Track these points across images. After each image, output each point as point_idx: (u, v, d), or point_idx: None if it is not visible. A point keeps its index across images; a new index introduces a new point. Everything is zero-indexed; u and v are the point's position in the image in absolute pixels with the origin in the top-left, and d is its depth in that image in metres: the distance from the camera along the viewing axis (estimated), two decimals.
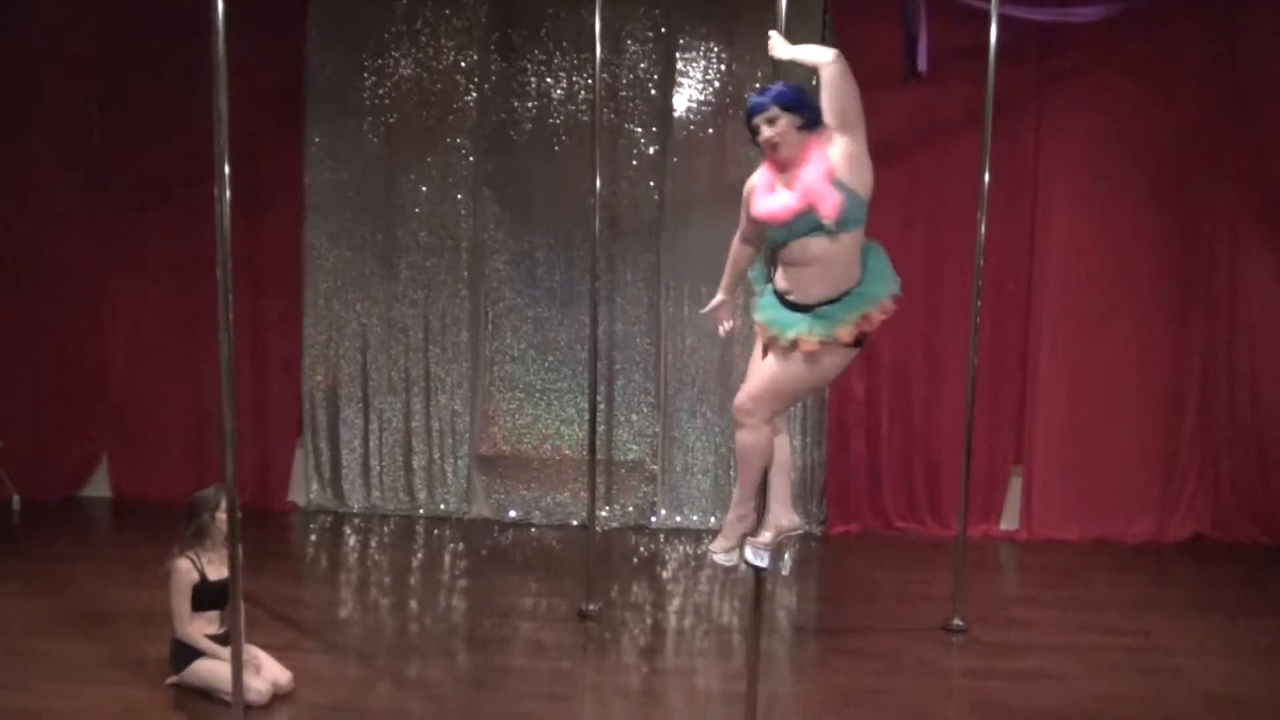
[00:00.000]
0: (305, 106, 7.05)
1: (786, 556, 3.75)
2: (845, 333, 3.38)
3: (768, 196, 3.39)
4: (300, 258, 7.16)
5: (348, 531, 6.93)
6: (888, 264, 3.44)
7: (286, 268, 7.15)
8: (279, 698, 4.21)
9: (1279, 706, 4.33)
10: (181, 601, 4.21)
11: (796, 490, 6.95)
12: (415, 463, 7.25)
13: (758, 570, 3.62)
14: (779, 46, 3.52)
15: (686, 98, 6.84)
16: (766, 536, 3.61)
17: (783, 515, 3.65)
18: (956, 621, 5.14)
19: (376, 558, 6.44)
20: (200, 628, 4.27)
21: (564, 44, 6.89)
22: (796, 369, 3.43)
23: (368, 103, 7.03)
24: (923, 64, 5.49)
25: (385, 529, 6.98)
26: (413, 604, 5.60)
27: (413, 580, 6.00)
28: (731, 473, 6.98)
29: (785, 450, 3.70)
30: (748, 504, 3.65)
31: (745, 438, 3.56)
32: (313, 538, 6.84)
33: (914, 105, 6.47)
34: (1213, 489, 6.79)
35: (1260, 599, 5.71)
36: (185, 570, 4.21)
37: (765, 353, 3.51)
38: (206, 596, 4.24)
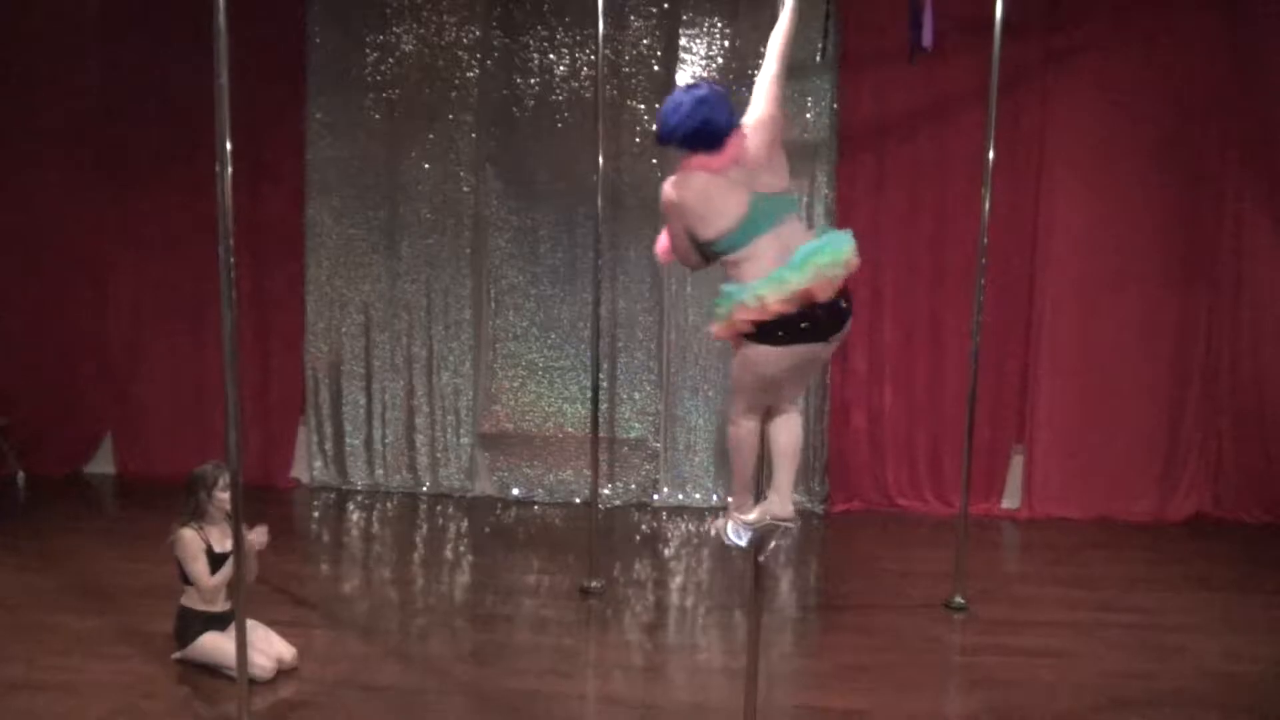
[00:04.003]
0: (307, 82, 7.03)
1: (773, 545, 3.71)
2: (716, 327, 3.36)
3: None
4: (302, 235, 7.16)
5: (351, 508, 6.95)
6: (798, 259, 3.25)
7: (289, 245, 7.15)
8: (283, 673, 4.23)
9: None
10: (197, 563, 4.20)
11: (799, 468, 6.96)
12: (418, 440, 7.26)
13: (734, 547, 3.62)
14: None
15: (690, 74, 6.80)
16: (751, 516, 3.59)
17: (776, 502, 3.59)
18: (958, 599, 5.15)
19: (380, 535, 6.46)
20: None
21: (566, 20, 6.85)
22: (736, 362, 3.44)
23: (369, 79, 7.00)
24: (928, 40, 5.45)
25: (388, 506, 7.00)
26: (416, 581, 5.62)
27: (416, 557, 6.02)
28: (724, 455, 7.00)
29: (788, 437, 3.61)
30: (743, 494, 3.66)
31: (728, 432, 3.62)
32: (316, 515, 6.87)
33: (919, 81, 6.45)
34: (1215, 467, 6.80)
35: (1261, 576, 5.72)
36: (192, 537, 4.22)
37: None
38: (214, 569, 4.25)
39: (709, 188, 3.26)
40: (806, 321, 3.25)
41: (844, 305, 3.33)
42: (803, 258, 3.22)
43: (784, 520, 3.62)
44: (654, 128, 3.43)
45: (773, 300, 3.20)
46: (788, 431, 3.62)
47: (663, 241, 3.42)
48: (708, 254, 3.36)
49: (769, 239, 3.26)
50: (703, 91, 3.33)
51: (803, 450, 3.75)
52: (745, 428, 3.56)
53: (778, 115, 3.40)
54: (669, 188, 3.30)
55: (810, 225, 6.75)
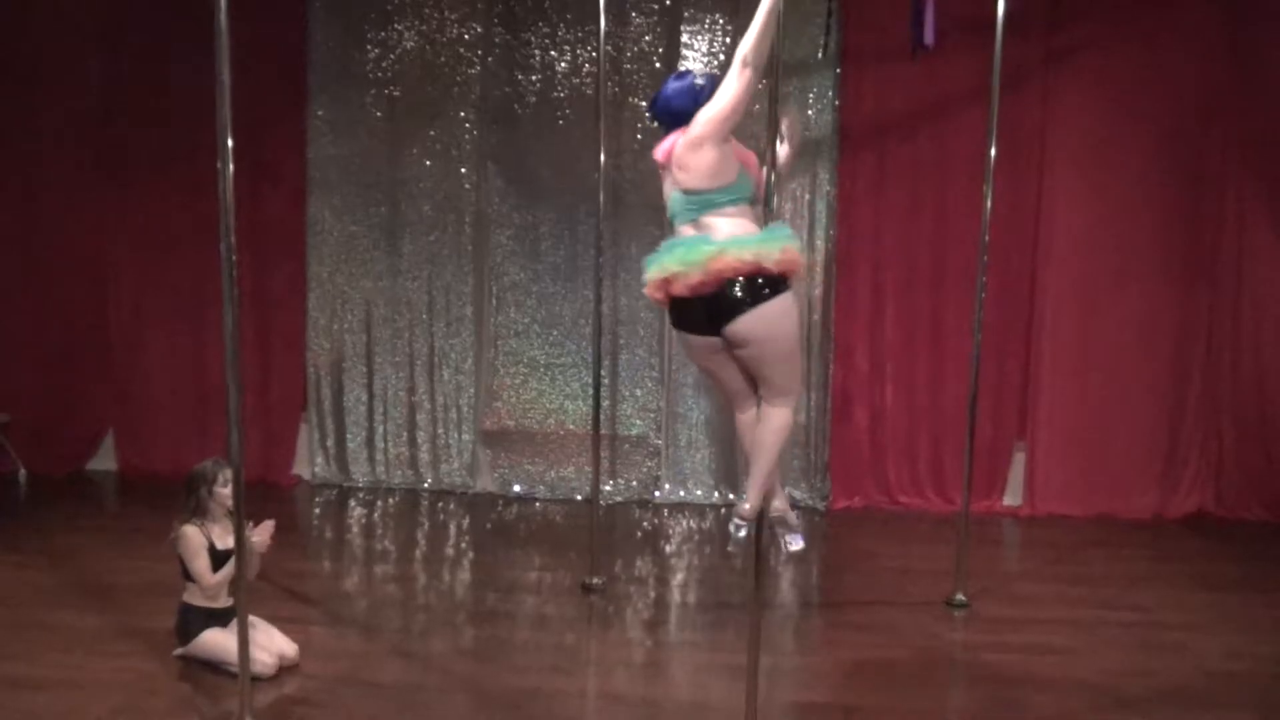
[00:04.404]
0: (308, 80, 7.02)
1: (784, 544, 3.74)
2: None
3: None
4: (304, 232, 7.16)
5: (352, 505, 6.96)
6: (661, 249, 3.57)
7: (290, 242, 7.15)
8: (285, 669, 4.23)
9: None
10: (198, 559, 4.21)
11: (800, 465, 6.98)
12: (420, 437, 7.27)
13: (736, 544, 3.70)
14: None
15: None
16: (745, 508, 3.62)
17: (746, 497, 3.66)
18: (959, 596, 5.15)
19: (381, 532, 6.46)
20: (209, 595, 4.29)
21: (568, 16, 6.85)
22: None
23: (370, 76, 7.00)
24: (929, 37, 5.44)
25: (390, 503, 7.00)
26: (417, 577, 5.63)
27: (417, 554, 6.03)
28: (735, 447, 7.00)
29: (758, 430, 3.63)
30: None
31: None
32: (317, 511, 6.87)
33: (920, 79, 6.45)
34: (1216, 465, 6.80)
35: (1263, 575, 5.72)
36: (194, 534, 4.23)
37: None
38: (217, 565, 4.26)
39: (662, 171, 3.70)
40: (679, 311, 3.57)
41: (731, 299, 3.37)
42: (665, 248, 3.53)
43: (741, 518, 3.64)
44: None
45: (649, 280, 3.56)
46: (760, 425, 3.62)
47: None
48: None
49: (687, 228, 3.56)
50: (677, 79, 3.64)
51: (780, 447, 3.60)
52: (737, 419, 3.73)
53: (716, 116, 3.45)
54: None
55: (811, 222, 6.75)
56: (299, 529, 6.52)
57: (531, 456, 7.25)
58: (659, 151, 3.66)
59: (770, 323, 3.41)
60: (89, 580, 5.27)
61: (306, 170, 7.10)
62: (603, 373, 6.11)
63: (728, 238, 3.41)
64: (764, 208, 3.51)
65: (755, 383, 3.62)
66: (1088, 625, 4.91)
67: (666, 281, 3.45)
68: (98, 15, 7.05)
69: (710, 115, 3.44)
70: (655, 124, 3.73)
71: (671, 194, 3.61)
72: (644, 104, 6.81)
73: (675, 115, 3.57)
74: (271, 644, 4.24)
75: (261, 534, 4.19)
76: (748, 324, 3.40)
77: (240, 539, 3.75)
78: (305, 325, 7.25)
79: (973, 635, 4.86)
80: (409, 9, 6.94)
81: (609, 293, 6.79)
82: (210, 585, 4.23)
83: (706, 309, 3.43)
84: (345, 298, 7.22)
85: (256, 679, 3.97)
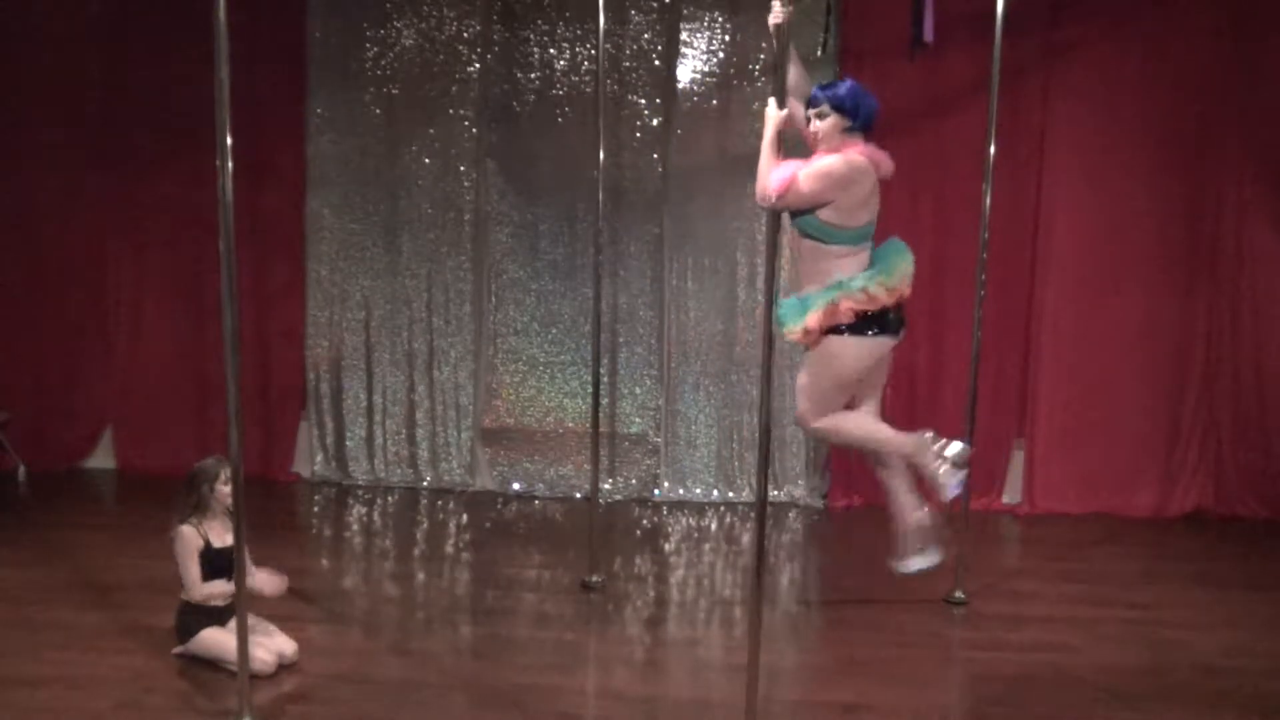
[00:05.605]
0: (307, 77, 7.02)
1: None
2: (813, 318, 3.61)
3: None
4: (303, 229, 7.16)
5: (352, 503, 6.95)
6: (888, 259, 3.70)
7: (289, 239, 7.15)
8: (284, 668, 4.23)
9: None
10: (190, 563, 4.21)
11: (800, 463, 6.98)
12: (419, 435, 7.27)
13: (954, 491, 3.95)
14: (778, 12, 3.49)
15: (690, 69, 6.80)
16: (950, 451, 3.91)
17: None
18: (958, 594, 5.15)
19: (380, 530, 6.46)
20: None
21: (567, 14, 6.84)
22: (814, 364, 3.82)
23: (370, 73, 7.00)
24: (929, 34, 5.44)
25: (389, 501, 7.00)
26: (416, 576, 5.62)
27: (417, 552, 6.02)
28: (734, 445, 7.01)
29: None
30: (907, 446, 3.92)
31: (819, 429, 3.86)
32: (317, 509, 6.87)
33: (920, 75, 6.44)
34: (1215, 462, 6.80)
35: (1262, 572, 5.72)
36: (190, 535, 4.22)
37: None
38: (213, 564, 4.26)
39: (874, 182, 3.62)
40: (896, 315, 3.67)
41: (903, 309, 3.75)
42: (891, 261, 3.65)
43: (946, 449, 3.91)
44: (849, 105, 3.65)
45: (880, 293, 3.58)
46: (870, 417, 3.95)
47: (782, 178, 3.48)
48: (811, 229, 3.62)
49: (870, 245, 3.69)
50: (861, 87, 3.74)
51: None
52: (837, 419, 3.82)
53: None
54: (853, 159, 3.55)
55: None
56: (298, 527, 6.52)
57: (531, 454, 7.25)
58: (887, 164, 3.68)
59: None
60: (88, 577, 5.26)
61: (306, 168, 7.10)
62: (602, 370, 6.11)
63: (900, 246, 3.80)
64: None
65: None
66: (1087, 622, 4.92)
67: (899, 290, 3.66)
68: (96, 12, 7.04)
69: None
70: (855, 122, 3.67)
71: (878, 209, 3.73)
72: (643, 101, 6.82)
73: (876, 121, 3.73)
74: (271, 642, 4.24)
75: (269, 585, 4.23)
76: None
77: (239, 537, 3.74)
78: (304, 323, 7.25)
79: (972, 633, 4.86)
80: (408, 6, 6.93)
81: (608, 290, 6.79)
82: (196, 595, 4.22)
83: (898, 313, 3.72)
84: (344, 295, 7.21)
85: (255, 677, 3.97)
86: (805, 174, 3.49)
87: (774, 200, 3.45)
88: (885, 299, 3.60)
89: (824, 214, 3.56)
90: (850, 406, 3.89)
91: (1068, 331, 6.72)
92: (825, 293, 3.62)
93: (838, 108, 3.61)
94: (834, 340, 3.63)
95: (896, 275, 3.64)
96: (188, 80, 6.31)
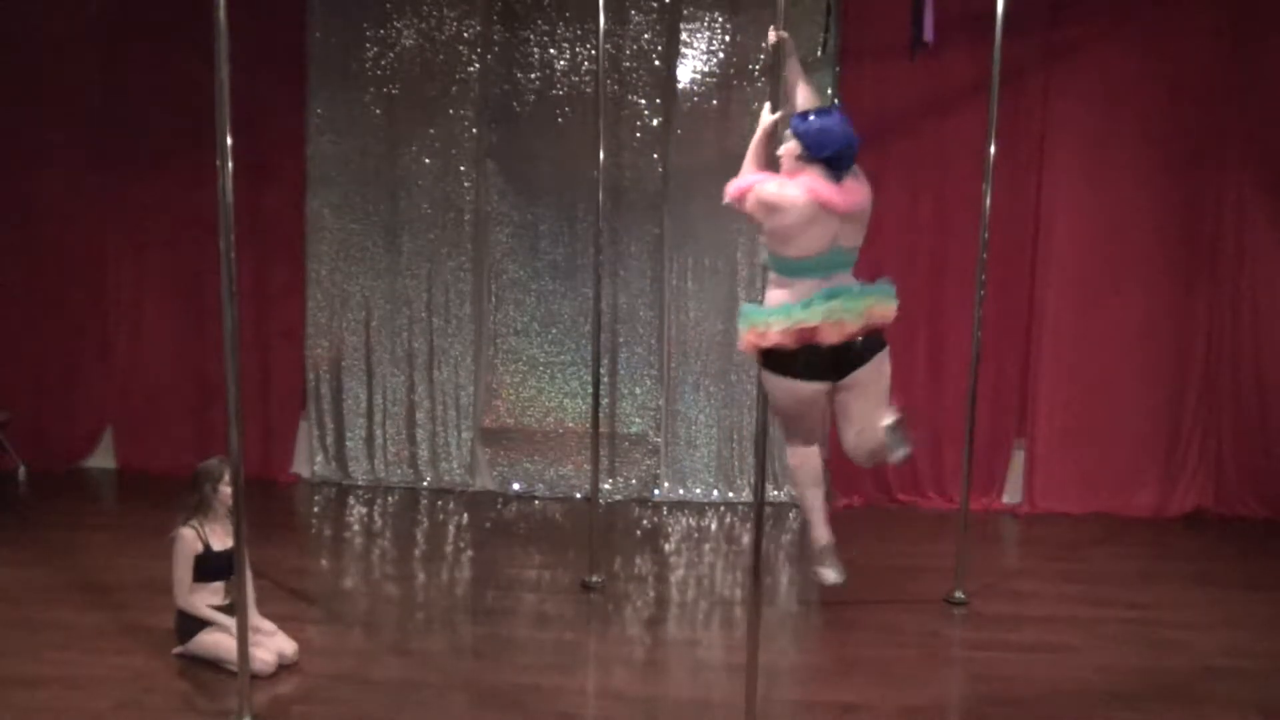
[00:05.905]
0: (307, 77, 7.02)
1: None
2: (742, 335, 3.52)
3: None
4: (303, 230, 7.16)
5: (352, 503, 6.95)
6: (843, 295, 3.40)
7: (289, 239, 7.15)
8: (284, 668, 4.23)
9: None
10: (183, 570, 4.22)
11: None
12: (419, 435, 7.26)
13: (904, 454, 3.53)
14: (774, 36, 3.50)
15: (690, 69, 6.80)
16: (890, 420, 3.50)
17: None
18: (958, 594, 5.15)
19: (380, 530, 6.46)
20: (205, 598, 4.28)
21: (567, 14, 6.84)
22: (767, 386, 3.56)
23: (370, 73, 7.00)
24: (929, 34, 5.45)
25: (389, 501, 7.00)
26: (416, 576, 5.63)
27: (417, 552, 6.02)
28: (734, 445, 7.01)
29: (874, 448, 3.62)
30: (816, 526, 3.72)
31: (787, 457, 3.80)
32: (317, 510, 6.87)
33: (920, 76, 6.44)
34: (1215, 463, 6.80)
35: (1261, 572, 5.72)
36: (189, 539, 4.23)
37: None
38: (211, 566, 4.26)
39: (813, 216, 3.34)
40: (807, 360, 3.38)
41: (857, 350, 3.40)
42: (819, 299, 3.35)
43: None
44: (803, 134, 3.41)
45: (775, 331, 3.36)
46: (867, 447, 3.57)
47: (739, 186, 3.44)
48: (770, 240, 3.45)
49: (815, 282, 3.39)
50: (841, 117, 3.47)
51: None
52: (798, 454, 3.68)
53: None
54: (786, 191, 3.33)
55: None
56: (298, 527, 6.52)
57: (531, 454, 7.25)
58: (844, 199, 3.37)
59: (882, 370, 3.49)
60: (88, 577, 5.27)
61: (306, 168, 7.10)
62: (602, 371, 6.10)
63: (863, 291, 3.46)
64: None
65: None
66: (1087, 622, 4.92)
67: (815, 330, 3.33)
68: (97, 12, 7.04)
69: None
70: (825, 161, 3.38)
71: (829, 247, 3.38)
72: (643, 101, 6.82)
73: (851, 158, 3.46)
74: (271, 642, 4.25)
75: (275, 643, 4.25)
76: (868, 371, 3.44)
77: (239, 537, 3.74)
78: (304, 323, 7.25)
79: (972, 633, 4.86)
80: (408, 7, 6.93)
81: (608, 290, 6.79)
82: (180, 602, 4.23)
83: (835, 356, 3.39)
84: (344, 295, 7.21)
85: (256, 677, 3.97)
86: (755, 190, 3.39)
87: (728, 202, 3.44)
88: (781, 337, 3.35)
89: (764, 235, 3.47)
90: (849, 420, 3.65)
91: (1068, 332, 6.71)
92: (740, 319, 3.54)
93: (798, 137, 3.40)
94: (763, 370, 3.50)
95: (803, 315, 3.33)
96: (188, 80, 6.34)
